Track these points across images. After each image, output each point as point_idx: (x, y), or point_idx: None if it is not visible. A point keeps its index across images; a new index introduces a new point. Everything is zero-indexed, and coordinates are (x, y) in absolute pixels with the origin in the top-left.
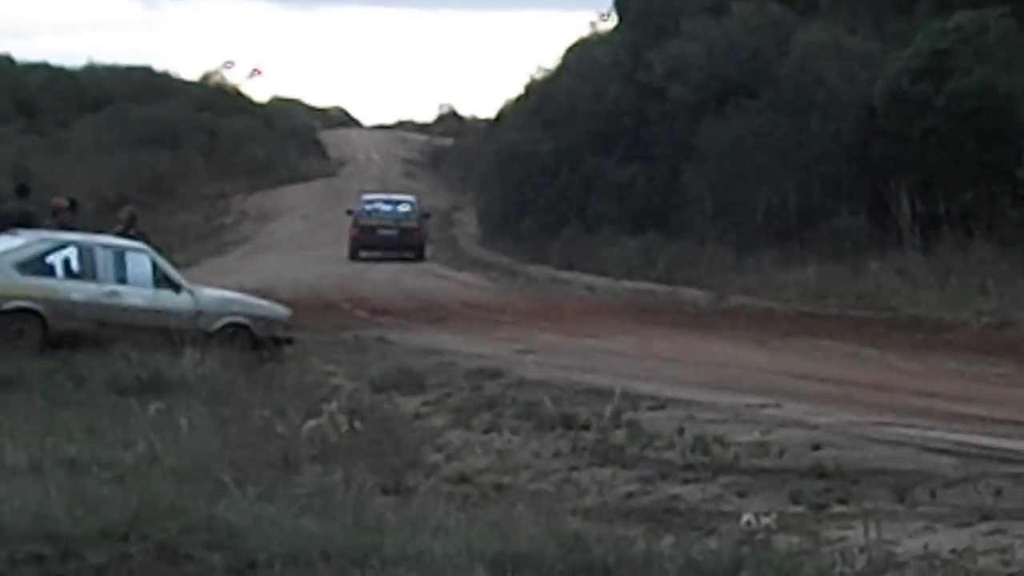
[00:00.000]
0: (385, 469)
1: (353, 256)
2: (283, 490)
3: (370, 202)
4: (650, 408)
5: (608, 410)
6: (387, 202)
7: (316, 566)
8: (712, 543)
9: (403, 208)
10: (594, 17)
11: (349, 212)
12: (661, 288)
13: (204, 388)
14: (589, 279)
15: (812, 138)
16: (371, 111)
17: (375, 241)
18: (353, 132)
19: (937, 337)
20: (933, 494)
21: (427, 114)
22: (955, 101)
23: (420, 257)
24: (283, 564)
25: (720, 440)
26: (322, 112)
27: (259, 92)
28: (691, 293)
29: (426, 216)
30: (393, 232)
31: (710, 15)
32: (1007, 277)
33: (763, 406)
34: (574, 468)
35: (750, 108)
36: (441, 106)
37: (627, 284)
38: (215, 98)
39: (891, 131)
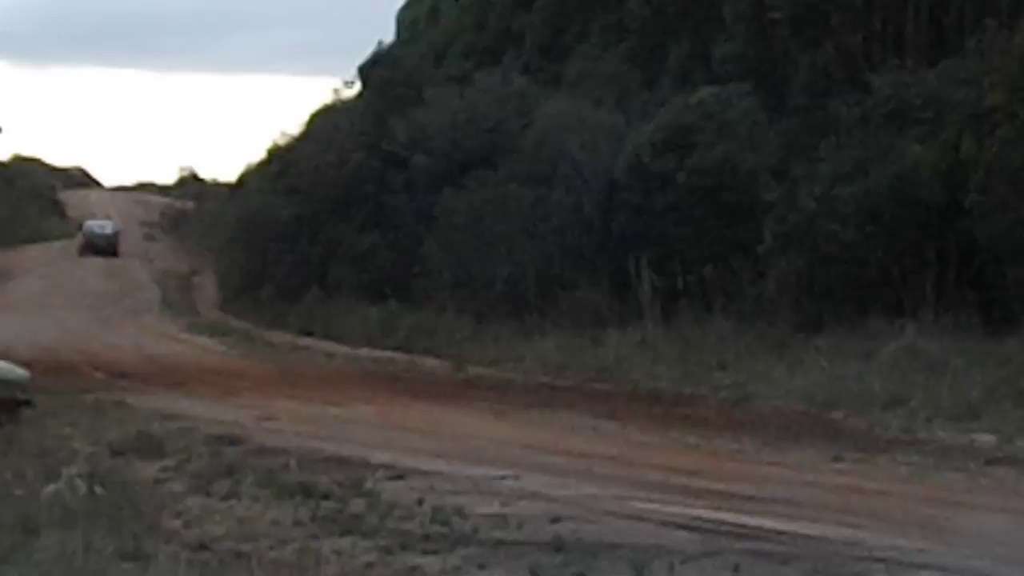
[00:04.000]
0: (124, 534)
1: (82, 254)
2: (22, 554)
3: (89, 227)
4: (390, 478)
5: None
6: (99, 226)
7: None
8: None
9: (107, 229)
10: (338, 84)
11: (79, 227)
12: (401, 357)
13: None
14: (329, 346)
15: (553, 210)
16: (112, 172)
17: (92, 248)
18: (93, 193)
19: (676, 411)
20: (671, 568)
21: (168, 176)
22: (696, 176)
23: (115, 255)
24: None
25: (459, 511)
26: (62, 172)
27: None
28: (431, 363)
29: (119, 232)
30: (101, 242)
31: (453, 85)
32: (745, 352)
33: (502, 478)
34: (314, 537)
35: (491, 179)
36: (182, 169)
37: (367, 352)
38: None
39: (632, 205)
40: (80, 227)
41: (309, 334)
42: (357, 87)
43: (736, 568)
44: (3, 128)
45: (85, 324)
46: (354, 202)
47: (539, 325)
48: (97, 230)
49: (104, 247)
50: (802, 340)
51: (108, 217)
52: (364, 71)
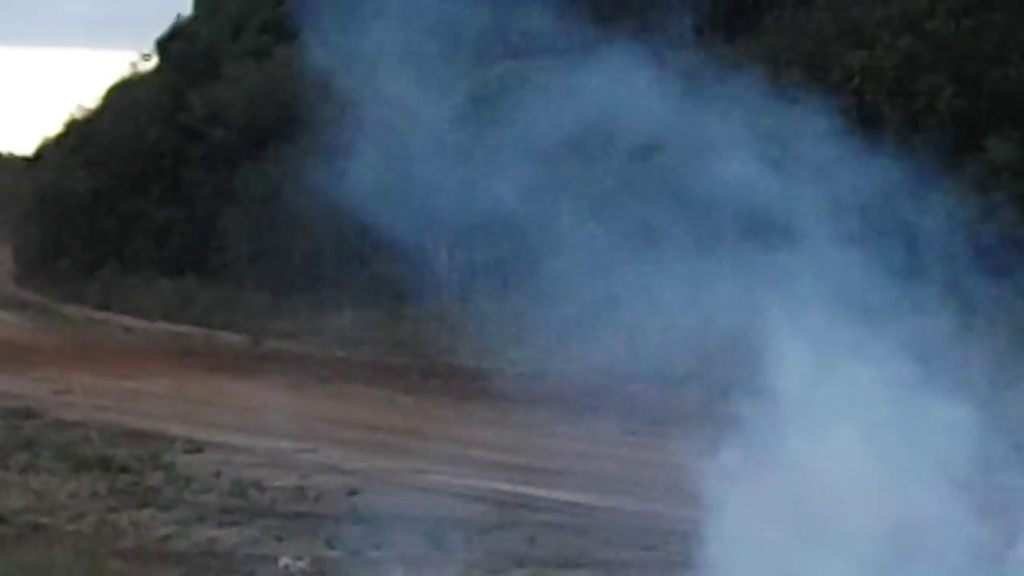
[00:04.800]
0: None
1: None
2: None
3: None
4: (187, 451)
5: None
6: None
7: None
8: None
9: None
10: (135, 57)
11: None
12: (198, 331)
13: None
14: (126, 320)
15: (352, 184)
16: None
17: None
18: None
19: (473, 385)
20: (468, 541)
21: None
22: None
23: None
24: None
25: (257, 484)
26: None
27: None
28: (228, 337)
29: None
30: None
31: (252, 58)
32: (544, 327)
33: (300, 451)
34: (112, 509)
35: (289, 153)
36: None
37: (164, 326)
38: None
39: None
40: None
41: (106, 308)
42: (155, 61)
43: (531, 539)
44: None
45: None
46: (152, 176)
47: (337, 299)
48: None
49: None
50: (600, 315)
51: None
52: (161, 45)
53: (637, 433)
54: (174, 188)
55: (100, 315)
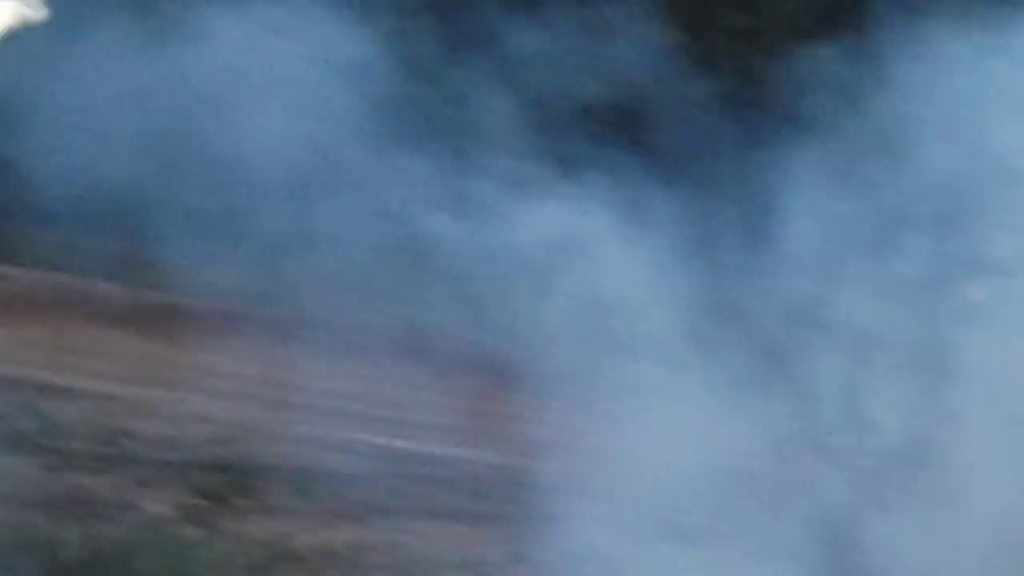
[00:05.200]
0: None
1: None
2: None
3: None
4: (59, 399)
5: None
6: None
7: None
8: (115, 531)
9: None
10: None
11: None
12: (75, 280)
13: None
14: (2, 269)
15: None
16: None
17: None
18: None
19: (347, 339)
20: (333, 491)
21: None
22: None
23: None
24: None
25: (128, 433)
26: None
27: None
28: (106, 287)
29: None
30: None
31: None
32: (378, 285)
33: (172, 401)
34: None
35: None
36: None
37: (40, 275)
38: None
39: None
40: None
41: None
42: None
43: (397, 491)
44: None
45: None
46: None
47: (214, 252)
48: None
49: None
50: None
51: None
52: None
53: (507, 389)
54: (49, 134)
55: None
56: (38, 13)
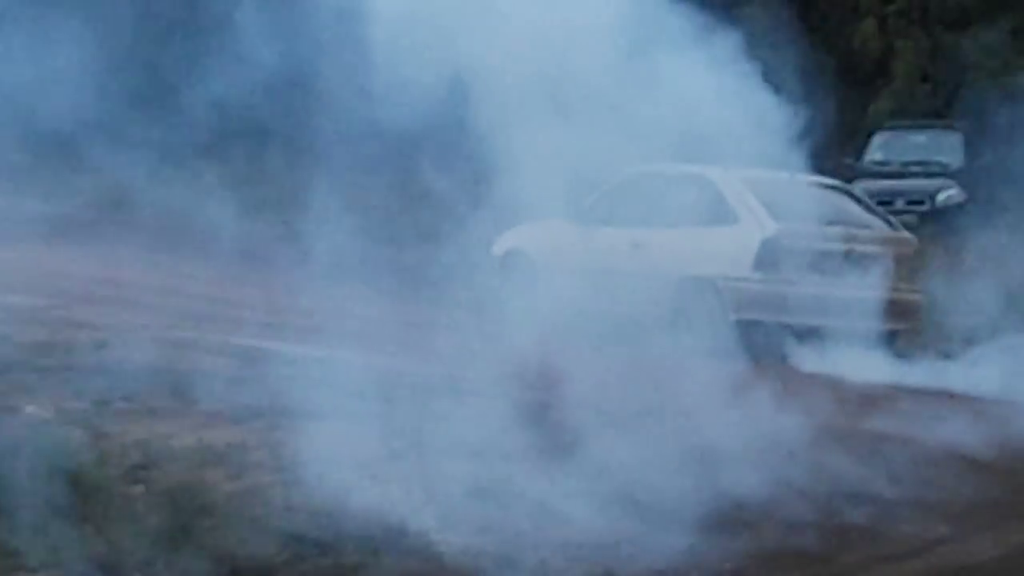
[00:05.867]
0: None
1: None
2: None
3: None
4: None
5: None
6: None
7: None
8: None
9: None
10: None
11: None
12: None
13: None
14: None
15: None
16: None
17: None
18: None
19: (232, 246)
20: (210, 393)
21: None
22: None
23: None
24: None
25: (4, 339)
26: None
27: None
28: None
29: None
30: None
31: None
32: (301, 190)
33: (51, 308)
34: None
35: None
36: None
37: None
38: None
39: None
40: None
41: None
42: None
43: (273, 392)
44: None
45: None
46: None
47: (95, 161)
48: None
49: None
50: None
51: None
52: None
53: (384, 292)
54: None
55: None
56: None
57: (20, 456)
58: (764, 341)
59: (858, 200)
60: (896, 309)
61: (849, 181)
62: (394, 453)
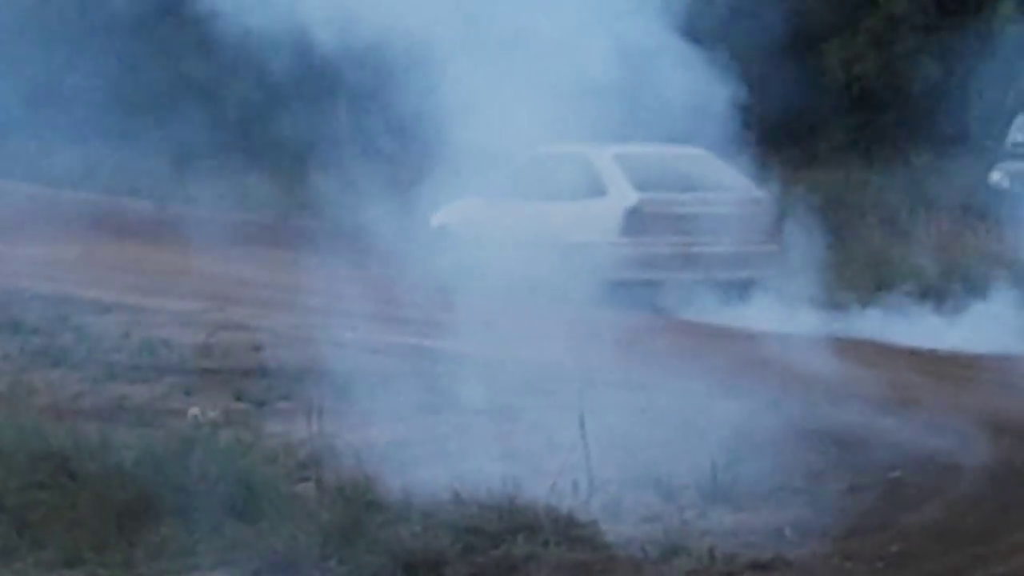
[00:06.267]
0: None
1: None
2: None
3: None
4: (96, 313)
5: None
6: None
7: None
8: (164, 435)
9: None
10: None
11: None
12: (103, 198)
13: None
14: (30, 188)
15: (255, 49)
16: None
17: None
18: None
19: (375, 247)
20: (371, 391)
21: None
22: None
23: None
24: None
25: (165, 343)
26: None
27: None
28: (133, 203)
29: None
30: None
31: None
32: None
33: (207, 311)
34: (24, 370)
35: (191, 17)
36: None
37: (69, 194)
38: None
39: None
40: None
41: (9, 177)
42: None
43: (433, 389)
44: None
45: None
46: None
47: (241, 164)
48: None
49: None
50: None
51: None
52: None
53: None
54: (81, 54)
55: (3, 183)
56: None
57: (189, 457)
58: (635, 296)
59: (722, 166)
60: (750, 261)
61: (991, 163)
62: (556, 445)
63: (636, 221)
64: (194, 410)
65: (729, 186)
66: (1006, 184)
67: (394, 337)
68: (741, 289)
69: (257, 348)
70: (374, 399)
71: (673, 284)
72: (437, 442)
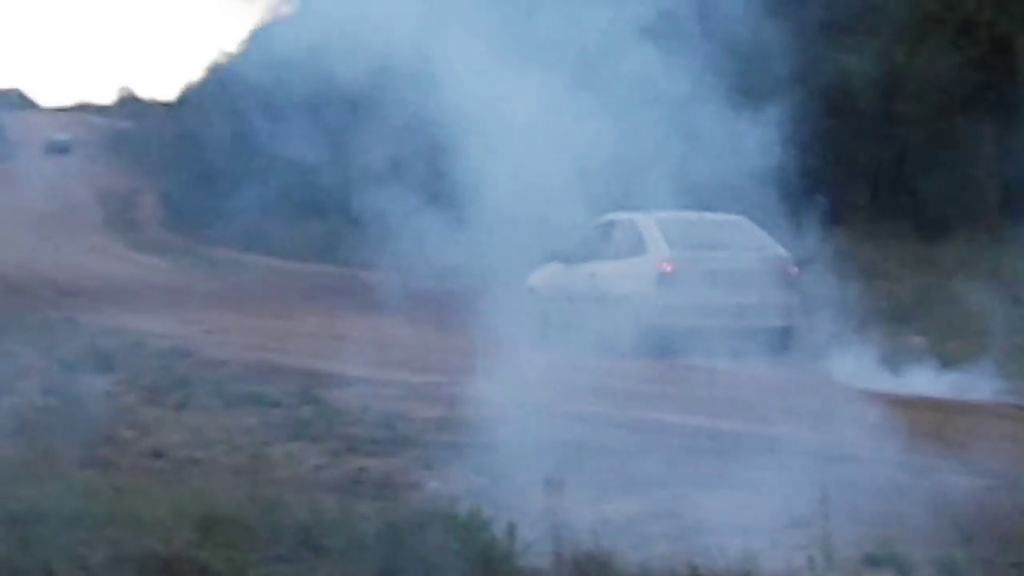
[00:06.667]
0: (81, 444)
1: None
2: None
3: (49, 135)
4: (336, 386)
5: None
6: (57, 139)
7: (30, 527)
8: (405, 508)
9: (63, 136)
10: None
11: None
12: (342, 271)
13: None
14: (272, 261)
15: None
16: (50, 93)
17: (52, 150)
18: (32, 115)
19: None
20: (607, 464)
21: (107, 96)
22: None
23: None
24: None
25: (404, 416)
26: None
27: None
28: (373, 276)
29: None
30: (59, 145)
31: None
32: None
33: (445, 384)
34: (265, 443)
35: None
36: (121, 89)
37: (309, 267)
38: None
39: None
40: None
41: (251, 250)
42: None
43: (669, 463)
44: None
45: (30, 245)
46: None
47: (473, 240)
48: (55, 137)
49: (61, 148)
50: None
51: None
52: None
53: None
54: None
55: (246, 257)
56: None
57: (429, 531)
58: (667, 341)
59: (754, 229)
60: (773, 311)
61: None
62: (794, 519)
63: (668, 275)
64: (433, 484)
65: (755, 246)
66: None
67: (619, 409)
68: (767, 336)
69: (495, 422)
70: (610, 472)
71: (702, 330)
72: (673, 515)
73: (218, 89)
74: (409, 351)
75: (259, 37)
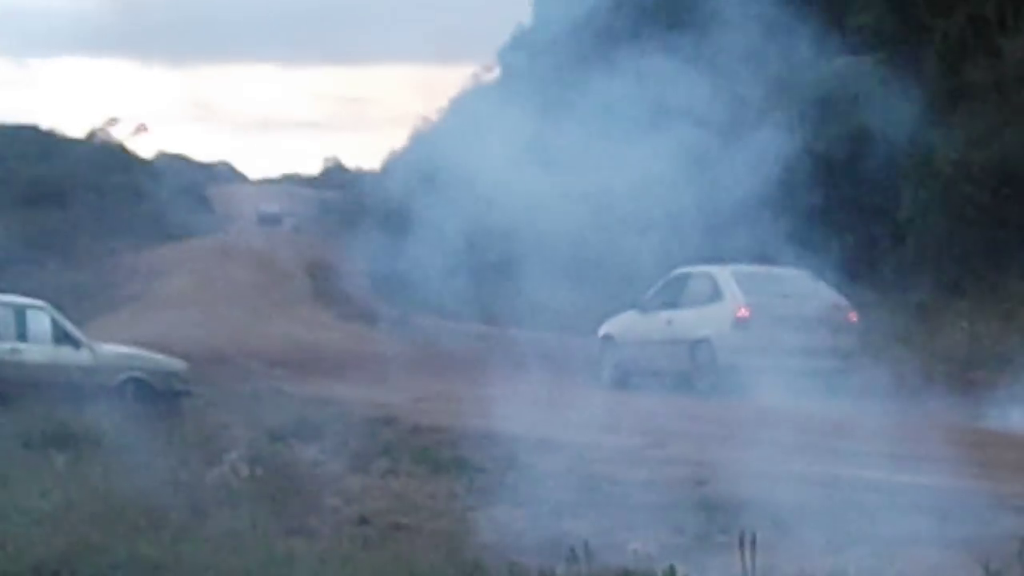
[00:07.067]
0: (288, 512)
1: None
2: (194, 532)
3: (261, 208)
4: (540, 451)
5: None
6: (268, 207)
7: None
8: (600, 569)
9: (274, 208)
10: (477, 69)
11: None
12: (548, 337)
13: (109, 440)
14: (479, 328)
15: None
16: (257, 166)
17: (264, 221)
18: (240, 187)
19: None
20: (810, 522)
21: (313, 167)
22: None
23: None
24: None
25: (609, 478)
26: (208, 167)
27: (145, 148)
28: (580, 342)
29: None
30: (270, 217)
31: None
32: (887, 317)
33: (649, 447)
34: (469, 508)
35: None
36: (327, 159)
37: (516, 333)
38: (101, 155)
39: None
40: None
41: (459, 317)
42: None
43: (871, 519)
44: (148, 127)
45: (237, 316)
46: None
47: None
48: (266, 209)
49: (272, 220)
50: (942, 303)
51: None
52: (503, 56)
53: (985, 417)
54: None
55: (453, 324)
56: None
57: None
58: (742, 379)
59: (816, 280)
60: (834, 352)
61: None
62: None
63: (744, 319)
64: (634, 544)
65: (817, 295)
66: None
67: (821, 467)
68: (828, 375)
69: (699, 482)
70: (810, 530)
71: (773, 369)
72: (871, 572)
73: (422, 157)
74: (612, 415)
75: (459, 104)
